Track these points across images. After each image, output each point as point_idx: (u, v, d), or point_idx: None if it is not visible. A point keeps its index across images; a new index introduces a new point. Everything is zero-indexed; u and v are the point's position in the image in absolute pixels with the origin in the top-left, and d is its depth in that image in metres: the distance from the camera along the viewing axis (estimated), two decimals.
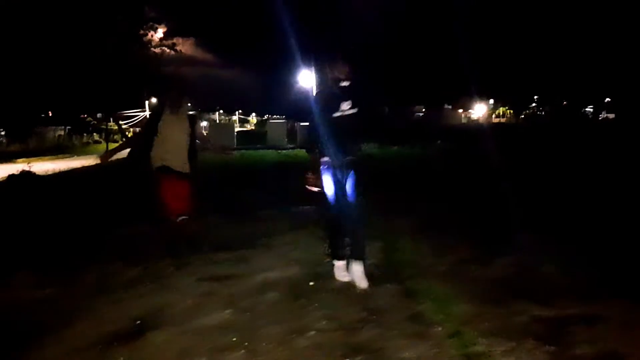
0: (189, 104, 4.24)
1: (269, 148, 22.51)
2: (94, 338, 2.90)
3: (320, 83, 4.46)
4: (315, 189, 3.75)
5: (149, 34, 24.43)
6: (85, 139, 43.98)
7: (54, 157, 26.85)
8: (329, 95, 3.65)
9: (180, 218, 4.26)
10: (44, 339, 2.92)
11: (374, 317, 3.13)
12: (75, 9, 21.06)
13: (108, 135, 30.06)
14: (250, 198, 7.62)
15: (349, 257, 3.72)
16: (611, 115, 48.85)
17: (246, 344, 2.78)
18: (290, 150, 22.22)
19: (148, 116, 4.22)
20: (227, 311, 3.24)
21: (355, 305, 3.30)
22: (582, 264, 3.99)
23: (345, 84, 3.61)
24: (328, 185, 3.66)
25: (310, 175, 3.72)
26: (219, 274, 3.99)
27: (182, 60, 26.50)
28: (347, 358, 2.62)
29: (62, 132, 42.78)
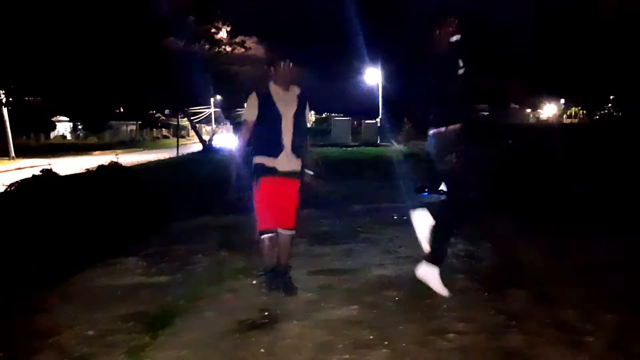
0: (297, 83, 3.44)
1: (332, 145, 22.44)
2: (228, 326, 2.87)
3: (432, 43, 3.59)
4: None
5: (217, 33, 25.10)
6: (154, 134, 46.11)
7: (126, 150, 28.12)
8: (450, 47, 3.13)
9: (286, 233, 3.41)
10: (176, 324, 2.92)
11: (514, 322, 2.89)
12: (145, 7, 21.93)
13: (178, 131, 31.18)
14: (335, 191, 7.52)
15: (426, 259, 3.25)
16: None
17: (386, 342, 2.63)
18: (355, 147, 22.08)
19: (252, 101, 3.29)
20: (353, 307, 3.12)
21: (488, 308, 3.08)
22: None
23: (456, 38, 3.12)
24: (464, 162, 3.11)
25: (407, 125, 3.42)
26: (329, 268, 3.90)
27: (247, 58, 27.06)
28: None
29: (133, 127, 45.06)
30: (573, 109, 60.22)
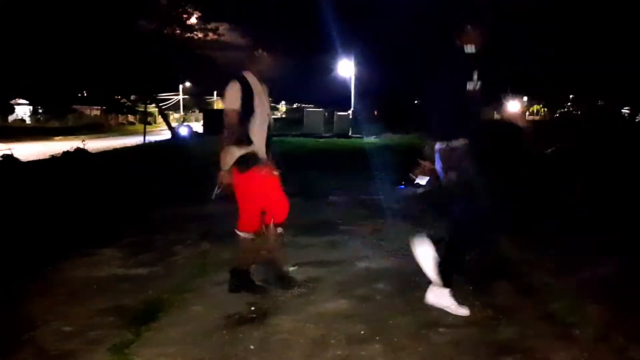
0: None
1: (305, 136, 22.34)
2: (216, 321, 2.77)
3: (445, 49, 3.27)
4: (423, 181, 3.27)
5: (188, 18, 24.49)
6: (120, 119, 44.70)
7: (90, 135, 27.20)
8: (463, 61, 2.90)
9: (278, 229, 3.24)
10: (161, 319, 2.81)
11: (502, 315, 2.92)
12: None
13: (145, 117, 30.30)
14: (315, 181, 7.47)
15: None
16: None
17: (379, 337, 2.60)
18: (328, 138, 22.06)
19: (236, 91, 3.04)
20: (344, 300, 3.08)
21: (474, 302, 3.08)
22: None
23: (471, 49, 2.88)
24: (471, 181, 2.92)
25: (424, 164, 3.13)
26: (316, 260, 3.84)
27: (219, 44, 26.49)
28: (494, 357, 2.42)
29: (97, 112, 43.54)
30: (535, 106, 62.00)
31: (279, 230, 3.22)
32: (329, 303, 3.04)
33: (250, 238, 3.18)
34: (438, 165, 3.04)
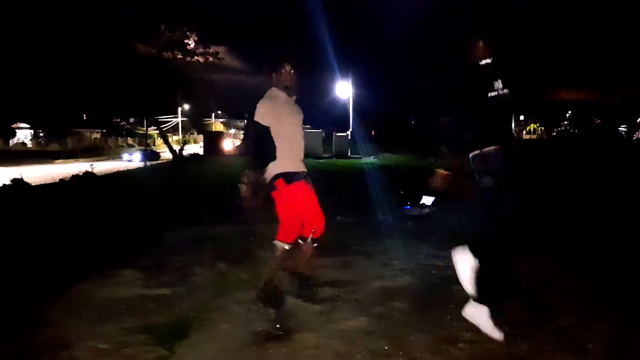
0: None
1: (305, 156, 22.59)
2: (244, 338, 2.90)
3: (459, 62, 3.38)
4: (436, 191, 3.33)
5: (189, 42, 24.94)
6: (119, 142, 45.00)
7: (91, 158, 27.38)
8: (479, 72, 2.97)
9: (315, 244, 3.42)
10: (192, 337, 2.92)
11: (516, 331, 3.05)
12: (114, 13, 21.60)
13: (145, 140, 30.58)
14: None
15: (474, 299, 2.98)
16: None
17: (401, 352, 2.73)
18: (327, 158, 22.31)
19: (265, 107, 3.26)
20: (363, 318, 3.21)
21: (491, 317, 3.22)
22: None
23: (486, 61, 2.96)
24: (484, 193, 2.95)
25: (440, 172, 3.13)
26: (333, 279, 3.97)
27: (217, 66, 26.97)
28: None
29: (97, 135, 43.83)
30: (532, 125, 62.65)
31: (315, 244, 3.39)
32: (349, 320, 3.16)
33: (286, 248, 3.31)
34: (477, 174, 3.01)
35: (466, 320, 3.10)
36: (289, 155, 3.32)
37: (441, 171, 3.18)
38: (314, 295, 3.56)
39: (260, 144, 3.24)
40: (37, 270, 4.21)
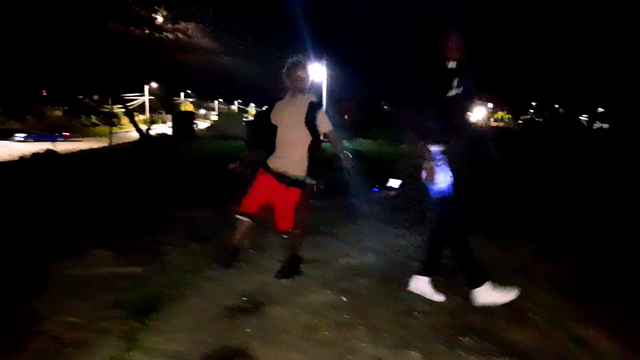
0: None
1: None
2: (215, 311, 3.04)
3: (431, 60, 3.23)
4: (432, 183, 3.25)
5: (157, 18, 24.32)
6: (83, 121, 43.57)
7: None
8: (444, 73, 3.21)
9: (283, 235, 3.67)
10: (163, 310, 3.05)
11: (469, 302, 3.30)
12: None
13: (111, 118, 29.73)
14: None
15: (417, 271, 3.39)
16: (605, 125, 49.55)
17: (363, 322, 2.94)
18: None
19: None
20: (329, 292, 3.40)
21: (446, 291, 3.45)
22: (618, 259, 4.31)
23: (452, 65, 3.20)
24: (445, 181, 3.18)
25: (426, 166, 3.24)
26: (302, 258, 4.14)
27: (186, 45, 26.47)
28: (462, 336, 2.79)
29: (59, 113, 42.27)
30: (499, 113, 64.19)
31: (285, 235, 3.67)
32: (316, 295, 3.36)
33: (244, 220, 3.59)
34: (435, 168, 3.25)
35: (419, 294, 3.36)
36: (276, 150, 3.59)
37: (427, 163, 3.27)
38: (283, 273, 3.73)
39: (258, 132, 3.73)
40: (5, 249, 4.22)
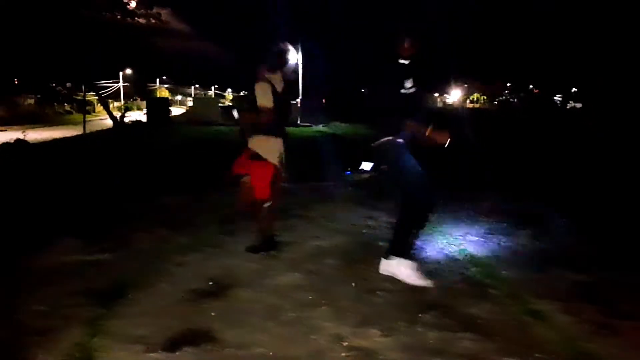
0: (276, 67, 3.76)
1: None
2: (180, 295, 3.07)
3: (384, 56, 3.37)
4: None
5: (129, 2, 23.72)
6: (56, 109, 42.49)
7: (25, 126, 25.83)
8: (396, 70, 3.33)
9: (265, 204, 3.84)
10: (129, 296, 3.07)
11: (431, 280, 3.41)
12: None
13: (83, 106, 29.02)
14: None
15: (385, 254, 3.46)
16: (578, 105, 50.53)
17: (327, 302, 3.01)
18: None
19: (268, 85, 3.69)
20: (295, 274, 3.47)
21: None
22: (596, 236, 4.48)
23: (404, 61, 3.32)
24: (412, 167, 3.30)
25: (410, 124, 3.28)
26: None
27: (160, 31, 25.94)
28: (421, 313, 2.89)
29: (31, 101, 41.14)
30: (475, 94, 64.83)
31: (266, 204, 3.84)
32: (282, 277, 3.42)
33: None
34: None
35: (383, 274, 3.46)
36: None
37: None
38: (251, 256, 3.78)
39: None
40: None
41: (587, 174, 8.05)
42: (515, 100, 58.68)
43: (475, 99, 65.41)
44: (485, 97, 63.67)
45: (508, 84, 59.73)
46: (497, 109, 50.45)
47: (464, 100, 62.71)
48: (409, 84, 3.33)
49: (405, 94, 3.33)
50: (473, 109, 50.42)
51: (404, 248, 3.40)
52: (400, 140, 3.29)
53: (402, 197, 3.44)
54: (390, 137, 3.31)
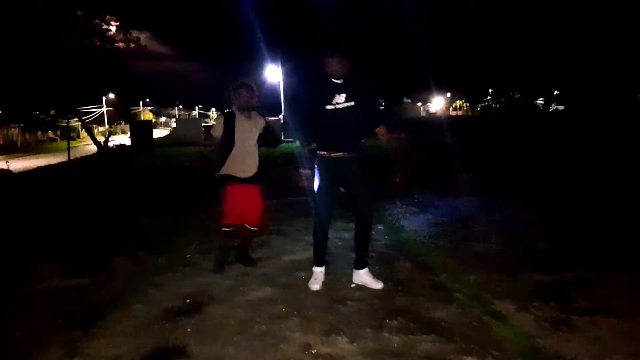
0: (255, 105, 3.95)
1: None
2: (156, 315, 3.17)
3: (311, 75, 3.82)
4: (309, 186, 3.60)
5: (109, 28, 23.89)
6: (40, 137, 42.25)
7: (9, 155, 25.65)
8: (321, 86, 3.45)
9: (252, 228, 4.02)
10: (106, 317, 3.15)
11: (400, 287, 3.55)
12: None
13: (67, 133, 28.95)
14: None
15: (357, 266, 3.62)
16: (561, 107, 51.45)
17: (295, 313, 3.13)
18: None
19: (223, 117, 3.93)
20: (268, 288, 3.58)
21: (379, 278, 3.69)
22: (564, 236, 4.63)
23: (337, 81, 3.42)
24: (322, 183, 3.48)
25: (305, 171, 3.54)
26: None
27: (141, 54, 26.09)
28: (388, 319, 3.02)
29: (15, 131, 40.87)
30: (458, 101, 65.70)
31: (254, 229, 4.04)
32: (255, 291, 3.53)
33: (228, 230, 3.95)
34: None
35: (354, 283, 3.60)
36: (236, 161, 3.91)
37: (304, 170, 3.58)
38: (226, 273, 3.89)
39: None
40: None
41: (569, 174, 8.28)
42: (497, 105, 59.50)
43: (457, 106, 66.27)
44: (467, 104, 64.52)
45: (490, 90, 60.61)
46: (480, 115, 51.11)
47: (447, 109, 63.50)
48: (341, 98, 3.42)
49: (332, 109, 3.41)
50: (456, 116, 51.00)
51: (364, 257, 3.64)
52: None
53: (363, 209, 3.59)
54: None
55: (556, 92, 54.44)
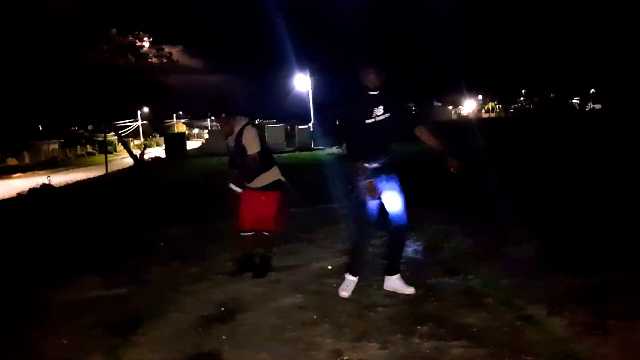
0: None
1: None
2: (192, 322, 3.28)
3: (348, 88, 3.72)
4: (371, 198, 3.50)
5: (142, 44, 24.71)
6: (79, 152, 43.97)
7: (50, 170, 26.75)
8: (360, 100, 3.50)
9: (265, 234, 4.19)
10: (144, 325, 3.28)
11: (430, 293, 3.55)
12: (65, 21, 21.25)
13: (105, 147, 30.06)
14: None
15: (389, 272, 3.66)
16: (597, 106, 49.79)
17: (326, 319, 3.18)
18: (291, 152, 22.66)
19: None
20: (299, 295, 3.65)
21: (410, 283, 3.70)
22: (595, 241, 4.53)
23: (374, 92, 3.46)
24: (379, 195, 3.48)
25: (366, 182, 3.44)
26: (277, 266, 4.37)
27: (174, 67, 26.88)
28: (419, 325, 3.03)
29: (55, 146, 42.73)
30: (490, 103, 64.50)
31: (267, 234, 4.19)
32: (286, 298, 3.60)
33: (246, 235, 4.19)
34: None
35: (384, 289, 3.63)
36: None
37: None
38: (257, 281, 3.98)
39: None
40: (6, 283, 4.47)
41: (600, 176, 8.06)
42: (531, 106, 58.07)
43: (490, 108, 65.04)
44: (500, 106, 63.27)
45: (523, 91, 59.26)
46: (513, 116, 50.03)
47: (479, 111, 62.44)
48: (379, 111, 3.46)
49: (373, 122, 3.44)
50: (488, 118, 50.08)
51: (394, 267, 3.66)
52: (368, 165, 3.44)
53: (397, 217, 3.61)
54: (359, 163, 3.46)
55: (592, 90, 52.79)
